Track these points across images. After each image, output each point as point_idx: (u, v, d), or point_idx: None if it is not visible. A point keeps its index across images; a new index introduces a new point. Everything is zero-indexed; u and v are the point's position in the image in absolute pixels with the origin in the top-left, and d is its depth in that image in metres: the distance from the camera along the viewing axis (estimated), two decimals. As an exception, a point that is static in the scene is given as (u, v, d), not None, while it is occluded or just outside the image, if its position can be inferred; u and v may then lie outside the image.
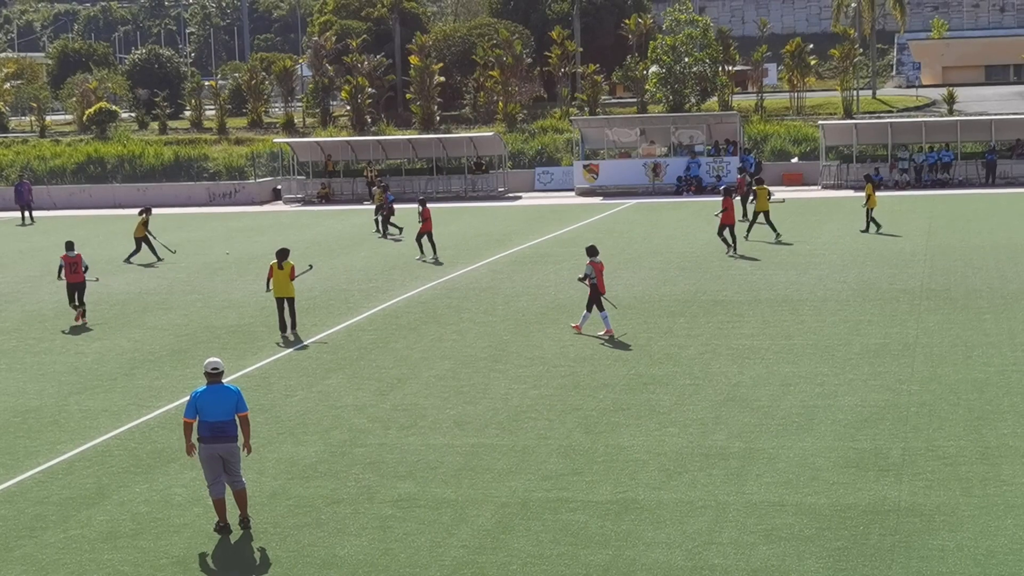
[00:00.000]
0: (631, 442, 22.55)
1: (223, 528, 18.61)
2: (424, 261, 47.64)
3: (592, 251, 32.96)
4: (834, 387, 25.89)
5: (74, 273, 37.37)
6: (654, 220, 60.57)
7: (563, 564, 16.88)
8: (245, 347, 32.53)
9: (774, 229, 50.19)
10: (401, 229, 56.31)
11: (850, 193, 70.30)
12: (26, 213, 73.81)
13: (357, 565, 17.18)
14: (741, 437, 22.58)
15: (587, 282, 32.51)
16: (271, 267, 33.26)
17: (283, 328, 33.17)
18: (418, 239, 49.11)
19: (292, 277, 33.31)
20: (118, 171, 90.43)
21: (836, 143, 78.54)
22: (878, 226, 51.40)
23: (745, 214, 56.46)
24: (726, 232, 46.57)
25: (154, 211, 57.30)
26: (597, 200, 74.64)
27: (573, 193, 78.54)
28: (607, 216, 64.06)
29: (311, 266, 37.00)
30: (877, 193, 53.62)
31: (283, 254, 33.09)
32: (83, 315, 37.29)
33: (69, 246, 38.19)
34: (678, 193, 75.35)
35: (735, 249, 46.30)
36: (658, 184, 77.06)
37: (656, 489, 19.88)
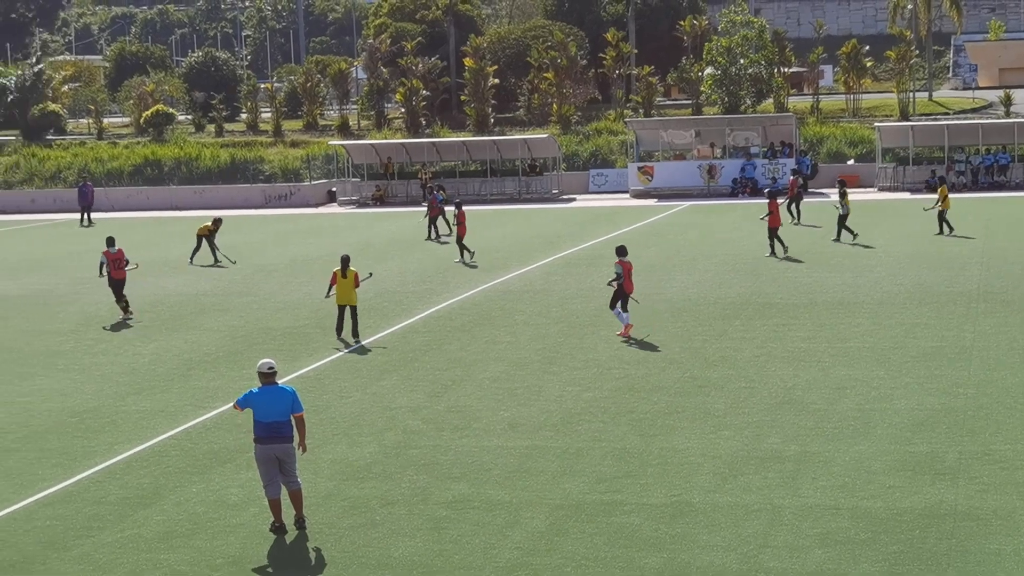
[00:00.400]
0: (685, 445, 22.50)
1: (278, 528, 18.68)
2: (463, 264, 47.65)
3: (621, 251, 33.11)
4: (889, 390, 25.76)
5: (117, 269, 38.37)
6: (709, 222, 60.42)
7: (617, 567, 16.86)
8: (300, 348, 32.65)
9: (851, 231, 49.77)
10: (450, 232, 55.99)
11: (906, 195, 69.95)
12: (86, 215, 74.31)
13: (411, 566, 17.22)
14: (796, 440, 22.49)
15: (614, 284, 32.67)
16: (334, 274, 33.01)
17: (339, 332, 33.10)
18: (458, 242, 49.28)
19: (356, 285, 33.00)
20: (175, 173, 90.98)
21: (892, 145, 78.12)
22: (951, 228, 50.92)
23: (797, 217, 56.46)
24: (777, 234, 46.47)
25: (207, 213, 57.82)
26: (651, 202, 74.53)
27: (627, 195, 78.48)
28: (661, 218, 63.95)
29: (371, 274, 36.57)
30: (933, 195, 53.29)
31: (346, 262, 32.94)
32: (126, 309, 38.22)
33: (110, 242, 39.14)
34: (733, 195, 75.14)
35: (785, 250, 46.22)
36: (713, 186, 76.87)
37: (710, 492, 19.83)
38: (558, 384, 27.50)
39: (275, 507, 18.64)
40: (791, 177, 61.97)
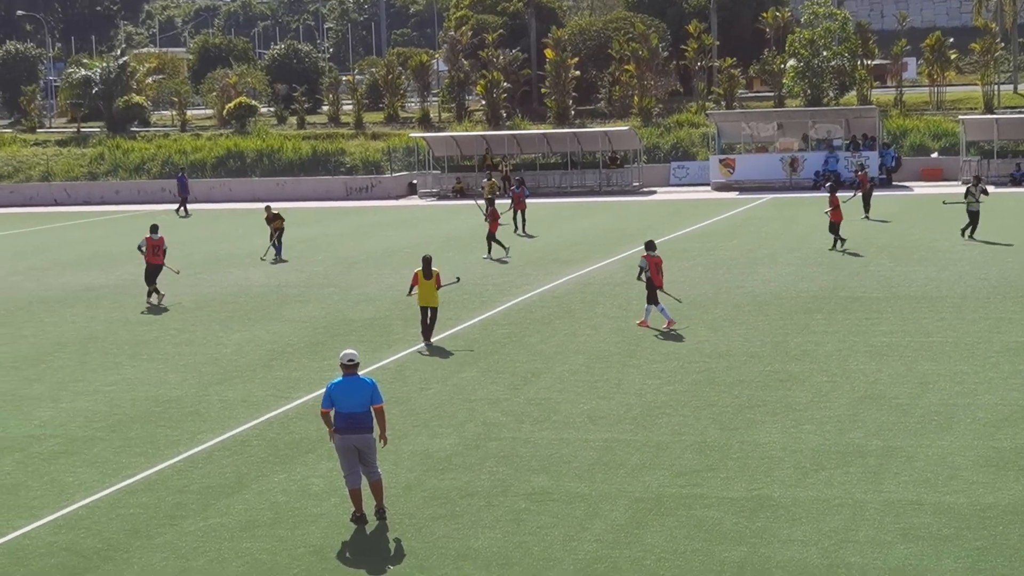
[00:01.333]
0: (767, 439, 22.40)
1: (359, 518, 18.77)
2: (492, 259, 48.06)
3: (649, 245, 33.29)
4: (974, 385, 25.52)
5: (154, 255, 40.27)
6: (791, 215, 60.09)
7: (697, 560, 16.82)
8: (380, 340, 32.78)
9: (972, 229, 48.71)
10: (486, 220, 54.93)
11: (992, 188, 69.19)
12: (183, 206, 74.73)
13: (491, 557, 17.25)
14: (879, 435, 22.33)
15: (641, 276, 32.89)
16: (416, 275, 32.09)
17: (426, 336, 32.34)
18: (513, 214, 52.91)
19: (438, 286, 32.01)
20: (257, 165, 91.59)
21: (977, 138, 77.37)
22: None
23: (866, 211, 56.12)
24: (838, 229, 46.21)
25: (289, 205, 58.07)
26: (733, 195, 74.24)
27: (708, 188, 78.23)
28: (743, 211, 63.68)
29: (458, 279, 35.60)
30: (1015, 189, 52.59)
31: (428, 262, 32.14)
32: (155, 293, 40.15)
33: (154, 229, 41.36)
34: (816, 188, 74.64)
35: (843, 245, 46.01)
36: (795, 179, 76.42)
37: (792, 487, 19.73)
38: (639, 377, 27.46)
39: (356, 497, 18.72)
40: (860, 172, 61.36)
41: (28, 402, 26.73)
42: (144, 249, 40.27)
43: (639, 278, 33.23)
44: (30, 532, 19.05)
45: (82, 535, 18.83)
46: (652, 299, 32.81)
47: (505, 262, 46.60)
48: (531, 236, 54.49)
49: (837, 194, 46.93)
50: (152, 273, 40.20)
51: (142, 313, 38.54)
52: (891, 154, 76.16)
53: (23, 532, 19.06)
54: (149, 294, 40.19)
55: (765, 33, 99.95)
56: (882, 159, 75.35)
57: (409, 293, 32.71)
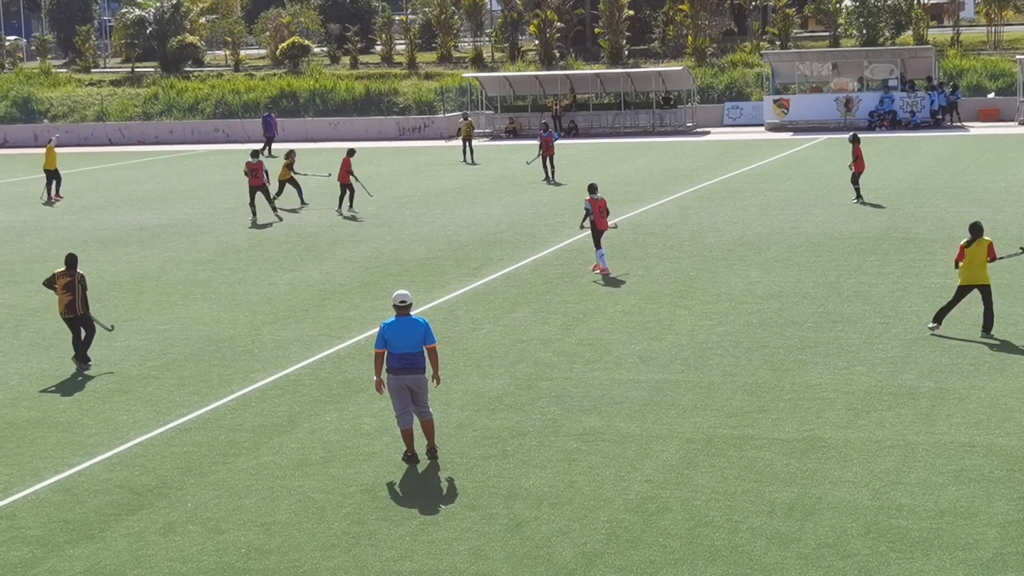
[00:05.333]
0: (818, 380, 22.35)
1: (411, 458, 18.86)
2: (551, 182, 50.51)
3: (592, 188, 33.42)
4: (1028, 327, 25.37)
5: (254, 177, 44.89)
6: (845, 156, 59.42)
7: (747, 501, 16.82)
8: (433, 280, 32.83)
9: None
10: (552, 174, 54.91)
11: (1049, 129, 68.50)
12: (268, 146, 74.45)
13: (542, 496, 17.31)
14: (931, 377, 22.24)
15: (585, 222, 33.01)
16: (962, 249, 25.22)
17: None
18: (542, 161, 54.31)
19: (990, 257, 25.07)
20: (310, 105, 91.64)
21: (1035, 78, 76.52)
22: None
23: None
24: (859, 180, 44.05)
25: (342, 145, 58.07)
26: (787, 135, 73.81)
27: (763, 128, 77.80)
28: (797, 151, 63.33)
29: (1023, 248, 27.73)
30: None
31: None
32: (274, 209, 45.46)
33: (254, 154, 46.13)
34: (871, 128, 74.07)
35: (860, 198, 43.58)
36: (850, 119, 75.87)
37: (843, 428, 19.69)
38: (690, 318, 27.42)
39: (407, 437, 18.80)
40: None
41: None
42: (247, 172, 45.24)
43: (582, 224, 33.29)
44: (85, 470, 19.24)
45: (136, 473, 19.01)
46: (596, 242, 32.88)
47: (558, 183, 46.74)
48: (559, 184, 53.48)
49: (886, 132, 45.79)
50: (252, 192, 45.05)
51: (196, 253, 38.75)
52: (946, 94, 75.32)
53: (78, 470, 19.25)
54: (254, 212, 45.10)
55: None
56: (933, 100, 74.60)
57: (583, 227, 32.57)
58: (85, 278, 25.46)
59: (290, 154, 50.58)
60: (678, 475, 17.91)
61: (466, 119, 68.57)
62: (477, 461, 18.85)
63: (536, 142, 57.36)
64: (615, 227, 34.95)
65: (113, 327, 26.74)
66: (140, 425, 21.35)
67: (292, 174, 49.42)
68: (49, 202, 53.48)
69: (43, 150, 58.41)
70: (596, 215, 32.78)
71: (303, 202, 48.80)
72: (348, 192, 46.47)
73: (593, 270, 32.97)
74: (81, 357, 25.17)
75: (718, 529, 15.95)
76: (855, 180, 43.95)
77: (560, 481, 17.87)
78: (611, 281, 31.72)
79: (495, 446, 19.50)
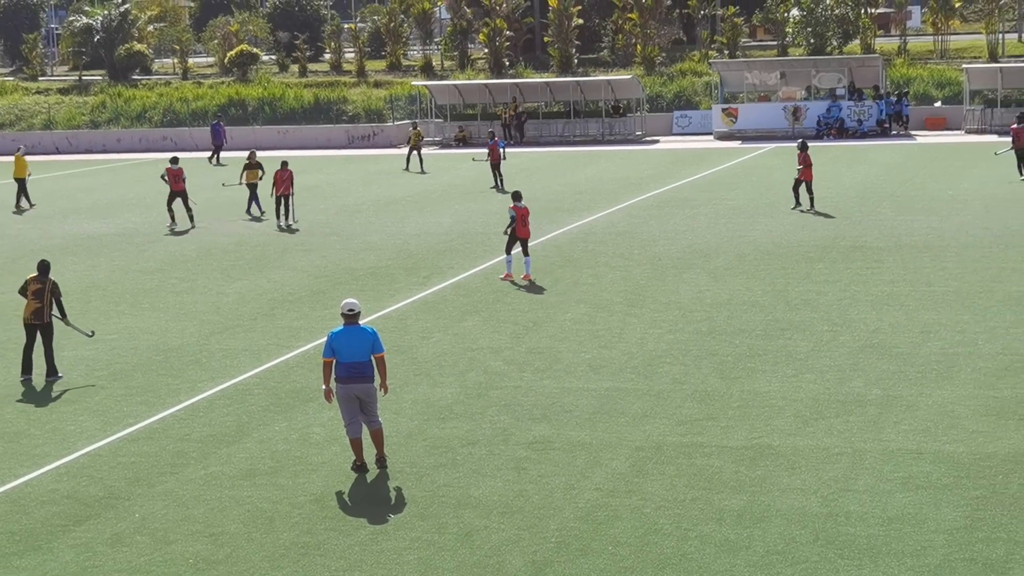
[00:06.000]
0: (767, 388, 22.43)
1: (360, 467, 18.81)
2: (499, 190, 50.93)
3: (516, 196, 33.63)
4: (975, 335, 25.52)
5: (176, 183, 45.74)
6: (793, 164, 59.71)
7: (697, 508, 16.86)
8: (383, 289, 32.78)
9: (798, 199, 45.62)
10: (502, 182, 55.21)
11: (994, 138, 69.03)
12: (216, 155, 74.10)
13: (492, 505, 17.29)
14: (879, 384, 22.35)
15: (507, 231, 33.30)
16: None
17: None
18: (492, 169, 54.78)
19: None
20: (259, 113, 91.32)
21: (980, 87, 77.07)
22: None
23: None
24: (802, 188, 43.99)
25: (291, 154, 57.88)
26: (736, 144, 74.08)
27: (711, 137, 78.06)
28: (746, 160, 63.58)
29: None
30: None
31: None
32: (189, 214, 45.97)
33: (174, 160, 46.78)
34: (819, 137, 74.45)
35: (799, 205, 43.83)
36: (798, 128, 76.22)
37: (792, 435, 19.76)
38: (640, 326, 27.47)
39: (356, 446, 18.75)
40: (1016, 125, 52.35)
41: (37, 347, 26.70)
42: (167, 178, 45.97)
43: (505, 231, 33.52)
44: (32, 480, 19.11)
45: (84, 483, 18.89)
46: (514, 248, 33.20)
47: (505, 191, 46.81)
48: (507, 192, 53.06)
49: (818, 147, 45.12)
50: (172, 197, 45.79)
51: (144, 262, 38.56)
52: (892, 103, 75.73)
53: (25, 480, 19.12)
54: (173, 218, 45.81)
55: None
56: (880, 109, 75.07)
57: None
58: (58, 286, 25.27)
59: (252, 155, 49.87)
60: (628, 483, 17.93)
61: (415, 128, 68.48)
62: (427, 470, 18.82)
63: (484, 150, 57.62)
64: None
65: (93, 332, 26.80)
66: (88, 435, 21.21)
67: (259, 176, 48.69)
68: (19, 210, 53.03)
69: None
70: (519, 222, 32.99)
71: (261, 211, 48.30)
72: (284, 202, 45.43)
73: (504, 279, 33.16)
74: (51, 370, 24.93)
75: (668, 537, 15.98)
76: (797, 187, 44.20)
77: (510, 490, 17.85)
78: (561, 290, 31.74)
79: (445, 455, 19.47)
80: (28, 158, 58.04)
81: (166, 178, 46.17)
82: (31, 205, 53.82)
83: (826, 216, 42.01)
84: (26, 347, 25.17)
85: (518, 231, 33.04)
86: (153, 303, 32.31)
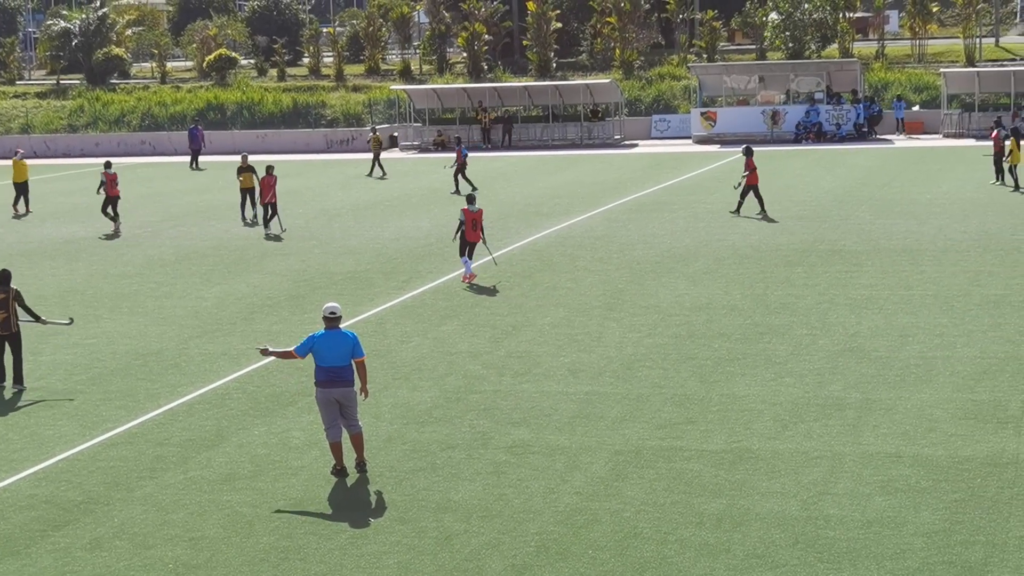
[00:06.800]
0: (746, 391, 22.46)
1: (340, 471, 18.80)
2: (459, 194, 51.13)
3: (469, 199, 34.09)
4: (953, 338, 25.60)
5: (113, 187, 46.81)
6: (772, 168, 60.06)
7: (676, 512, 16.87)
8: (362, 293, 32.76)
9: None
10: (475, 188, 55.42)
11: (971, 142, 69.26)
12: (195, 159, 73.99)
13: (471, 509, 17.29)
14: (858, 388, 22.40)
15: (455, 235, 33.88)
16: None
17: None
18: (454, 174, 55.38)
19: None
20: (237, 117, 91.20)
21: (958, 91, 77.41)
22: (1016, 185, 48.99)
23: (999, 174, 50.87)
24: (751, 193, 44.10)
25: (270, 158, 57.68)
26: (714, 148, 74.21)
27: (690, 141, 78.18)
28: (724, 164, 63.66)
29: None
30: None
31: None
32: (115, 219, 46.39)
33: (107, 164, 48.31)
34: (797, 141, 74.67)
35: (738, 212, 43.93)
36: (777, 132, 76.41)
37: (771, 439, 19.79)
38: (619, 330, 27.49)
39: (336, 450, 18.74)
40: (994, 131, 53.83)
41: (7, 355, 26.63)
42: (104, 186, 46.93)
43: (455, 237, 33.98)
44: (10, 485, 19.04)
45: (62, 488, 18.83)
46: (468, 252, 33.57)
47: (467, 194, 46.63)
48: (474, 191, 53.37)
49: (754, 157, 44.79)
50: (113, 203, 46.71)
51: (122, 266, 38.48)
52: (858, 109, 76.07)
53: (3, 485, 19.04)
54: (114, 219, 46.36)
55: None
56: (858, 113, 75.35)
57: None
58: (21, 294, 24.91)
59: (244, 158, 49.59)
60: (607, 487, 17.94)
61: (374, 133, 68.37)
62: (406, 474, 18.81)
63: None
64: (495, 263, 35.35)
65: (72, 320, 26.89)
66: (66, 440, 21.15)
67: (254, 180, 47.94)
68: (17, 215, 52.68)
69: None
70: (468, 226, 33.35)
71: (255, 214, 47.84)
72: (271, 209, 44.64)
73: (464, 280, 33.38)
74: (17, 379, 24.61)
75: (647, 541, 15.99)
76: (746, 194, 44.22)
77: (489, 494, 17.85)
78: (540, 294, 31.75)
79: (424, 459, 19.46)
80: (5, 162, 57.87)
81: (104, 182, 47.20)
82: (28, 211, 53.35)
83: (804, 220, 42.09)
84: (2, 360, 24.75)
85: (467, 235, 33.43)
86: (132, 307, 32.24)
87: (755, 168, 44.25)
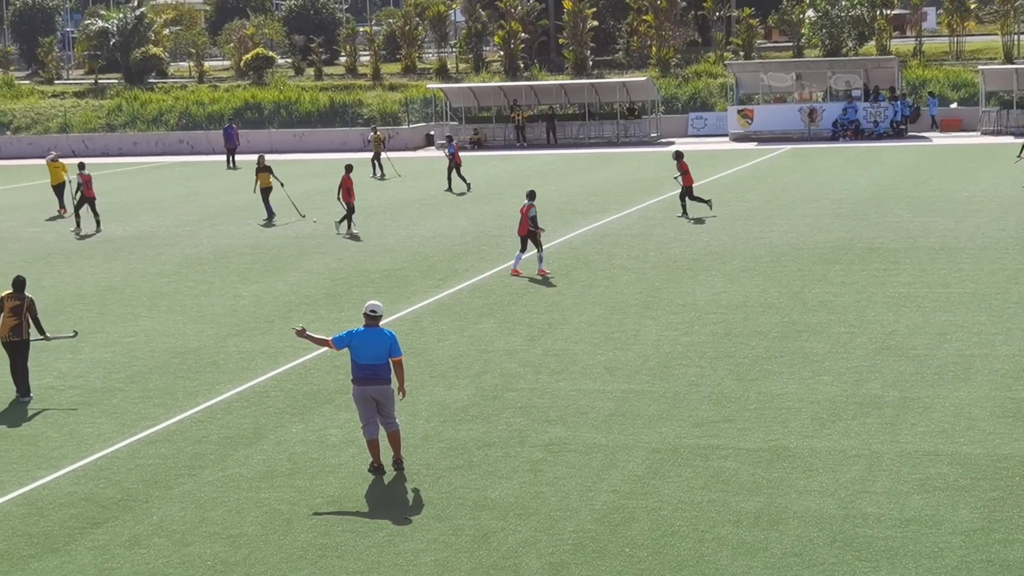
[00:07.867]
0: (783, 390, 22.41)
1: (377, 469, 18.83)
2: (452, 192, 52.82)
3: (530, 195, 34.90)
4: (991, 336, 25.49)
5: (88, 189, 47.38)
6: (809, 166, 59.95)
7: (714, 510, 16.85)
8: (399, 291, 32.80)
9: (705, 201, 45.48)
10: (469, 185, 56.33)
11: (1010, 139, 68.89)
12: (231, 158, 74.29)
13: (508, 507, 17.30)
14: (896, 386, 22.33)
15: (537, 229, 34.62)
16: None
17: None
18: (448, 173, 55.89)
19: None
20: (274, 117, 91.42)
21: (996, 88, 76.94)
22: None
23: None
24: (690, 195, 44.08)
25: (307, 157, 57.72)
26: (751, 146, 74.02)
27: (727, 139, 78.01)
28: (761, 162, 63.53)
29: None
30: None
31: None
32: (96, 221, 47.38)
33: (81, 166, 49.11)
34: (834, 139, 74.44)
35: (686, 214, 43.79)
36: (814, 129, 76.17)
37: (808, 437, 19.74)
38: (656, 328, 27.46)
39: (373, 448, 18.78)
40: None
41: (48, 353, 26.77)
42: (80, 187, 47.46)
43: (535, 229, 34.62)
44: (50, 483, 19.15)
45: (101, 485, 18.93)
46: (523, 246, 34.68)
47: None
48: (459, 195, 54.69)
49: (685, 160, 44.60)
50: (91, 203, 47.36)
51: (161, 265, 38.64)
52: (910, 104, 75.82)
53: (43, 483, 19.16)
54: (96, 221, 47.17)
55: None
56: (896, 111, 75.06)
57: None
58: (34, 303, 24.25)
59: (261, 158, 49.81)
60: (644, 485, 17.93)
61: (375, 132, 68.33)
62: (443, 472, 18.84)
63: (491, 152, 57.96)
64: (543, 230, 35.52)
65: (76, 333, 26.78)
66: (105, 438, 21.26)
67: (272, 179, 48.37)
68: (61, 215, 52.16)
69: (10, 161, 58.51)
70: (523, 220, 34.37)
71: (273, 215, 47.93)
72: (351, 209, 43.95)
73: (512, 274, 34.17)
74: (22, 390, 23.89)
75: (684, 539, 15.98)
76: (684, 196, 44.02)
77: (526, 492, 17.86)
78: (576, 292, 31.75)
79: (461, 457, 19.49)
80: (43, 162, 57.56)
81: (79, 184, 47.69)
82: (61, 214, 52.32)
83: (842, 217, 41.96)
84: (12, 367, 24.12)
85: (519, 228, 34.56)
86: (170, 305, 32.37)
87: (688, 170, 44.04)
